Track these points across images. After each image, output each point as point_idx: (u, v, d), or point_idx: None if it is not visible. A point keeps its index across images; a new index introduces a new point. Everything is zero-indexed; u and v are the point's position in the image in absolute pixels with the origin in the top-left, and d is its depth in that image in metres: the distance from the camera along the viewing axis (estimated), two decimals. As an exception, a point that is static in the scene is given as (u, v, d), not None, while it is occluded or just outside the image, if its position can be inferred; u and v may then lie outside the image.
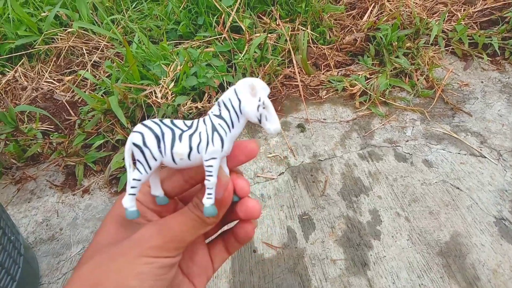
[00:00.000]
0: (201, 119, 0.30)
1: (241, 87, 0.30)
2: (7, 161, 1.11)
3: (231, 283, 0.85)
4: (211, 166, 0.30)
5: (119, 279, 0.27)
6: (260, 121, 0.30)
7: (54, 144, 1.16)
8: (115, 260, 0.28)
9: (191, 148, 0.29)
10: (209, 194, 0.30)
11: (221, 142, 0.30)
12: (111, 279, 0.27)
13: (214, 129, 0.30)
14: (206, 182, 0.30)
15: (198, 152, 0.30)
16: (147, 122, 0.30)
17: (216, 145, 0.30)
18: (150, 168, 0.30)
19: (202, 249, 0.36)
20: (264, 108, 0.29)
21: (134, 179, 0.30)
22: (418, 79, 1.30)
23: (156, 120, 0.30)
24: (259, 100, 0.29)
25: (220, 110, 0.30)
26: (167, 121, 0.30)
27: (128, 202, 0.30)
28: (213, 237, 0.39)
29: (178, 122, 0.31)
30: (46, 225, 0.99)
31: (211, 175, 0.30)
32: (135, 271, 0.27)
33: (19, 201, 1.06)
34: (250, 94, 0.30)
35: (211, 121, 0.30)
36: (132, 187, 0.30)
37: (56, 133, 1.22)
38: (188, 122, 0.31)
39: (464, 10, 1.60)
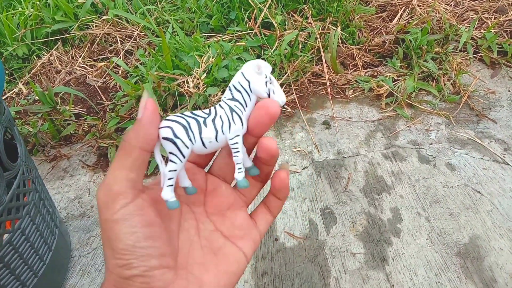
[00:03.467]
0: (217, 105, 0.33)
1: (247, 69, 0.33)
2: (43, 139, 1.16)
3: (252, 268, 0.88)
4: (236, 143, 0.33)
5: None
6: (269, 95, 0.32)
7: (87, 126, 1.21)
8: None
9: (216, 131, 0.32)
10: (239, 168, 0.33)
11: (240, 120, 0.32)
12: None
13: (231, 110, 0.32)
14: (234, 158, 0.33)
15: (223, 133, 0.32)
16: (171, 117, 0.32)
17: (237, 124, 0.32)
18: (183, 156, 0.32)
19: (242, 212, 0.37)
20: (271, 83, 0.33)
21: (170, 171, 0.32)
22: (445, 84, 1.32)
23: (177, 114, 0.33)
24: (266, 77, 0.32)
25: (232, 93, 0.33)
26: (187, 113, 0.33)
27: (168, 194, 0.32)
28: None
29: (198, 112, 0.33)
30: (78, 202, 1.04)
31: (238, 151, 0.33)
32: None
33: (53, 178, 1.11)
34: (256, 74, 0.32)
35: (227, 104, 0.33)
36: (169, 179, 0.32)
37: (89, 116, 1.27)
38: (206, 110, 0.33)
39: (494, 18, 1.60)
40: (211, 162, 0.38)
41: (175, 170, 0.32)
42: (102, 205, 0.29)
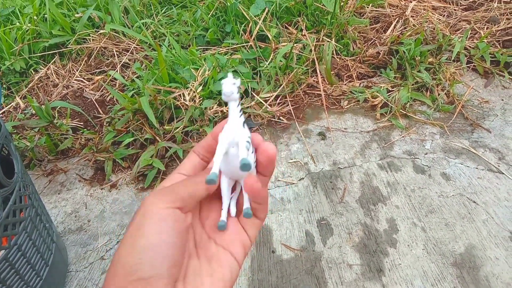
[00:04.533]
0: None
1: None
2: (40, 153, 1.17)
3: (250, 280, 0.88)
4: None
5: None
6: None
7: (84, 139, 1.21)
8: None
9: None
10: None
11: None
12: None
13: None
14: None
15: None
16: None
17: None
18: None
19: (232, 218, 0.38)
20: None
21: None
22: (439, 94, 1.33)
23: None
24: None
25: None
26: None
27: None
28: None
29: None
30: (74, 216, 1.04)
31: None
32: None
33: (50, 192, 1.11)
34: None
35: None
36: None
37: (86, 129, 1.28)
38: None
39: (487, 28, 1.62)
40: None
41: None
42: (151, 198, 0.31)
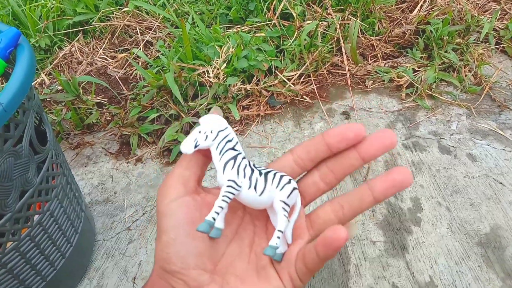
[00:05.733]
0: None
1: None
2: (67, 127, 1.19)
3: (273, 254, 0.89)
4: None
5: None
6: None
7: (110, 115, 1.23)
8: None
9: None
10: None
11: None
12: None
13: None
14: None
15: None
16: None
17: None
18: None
19: (298, 245, 0.33)
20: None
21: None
22: (466, 75, 1.30)
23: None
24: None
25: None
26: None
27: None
28: None
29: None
30: (101, 188, 1.06)
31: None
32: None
33: (77, 165, 1.14)
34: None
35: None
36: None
37: (111, 105, 1.29)
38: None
39: (517, 9, 1.57)
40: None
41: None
42: (158, 198, 0.32)
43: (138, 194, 1.03)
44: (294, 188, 0.32)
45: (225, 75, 1.21)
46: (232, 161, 0.31)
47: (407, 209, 0.96)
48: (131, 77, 1.49)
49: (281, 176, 0.32)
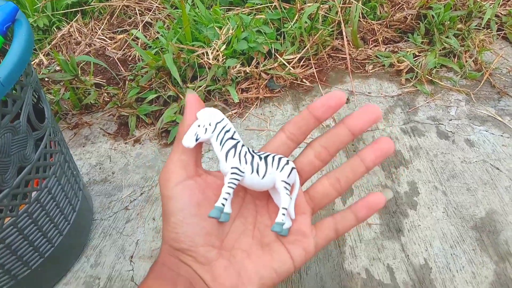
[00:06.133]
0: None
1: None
2: (66, 107, 1.19)
3: (269, 235, 0.90)
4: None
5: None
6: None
7: (108, 95, 1.23)
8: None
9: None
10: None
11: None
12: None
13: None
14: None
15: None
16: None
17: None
18: None
19: (303, 218, 0.36)
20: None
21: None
22: (466, 61, 1.30)
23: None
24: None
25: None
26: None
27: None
28: None
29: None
30: (99, 168, 1.06)
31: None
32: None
33: (75, 144, 1.14)
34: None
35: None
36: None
37: (109, 86, 1.29)
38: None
39: (520, -5, 1.56)
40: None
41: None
42: (161, 183, 0.33)
43: (136, 175, 1.03)
44: (293, 168, 0.34)
45: (225, 57, 1.20)
46: (233, 149, 0.33)
47: (404, 192, 0.96)
48: (129, 58, 1.48)
49: (279, 158, 0.34)
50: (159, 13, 1.63)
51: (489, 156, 1.04)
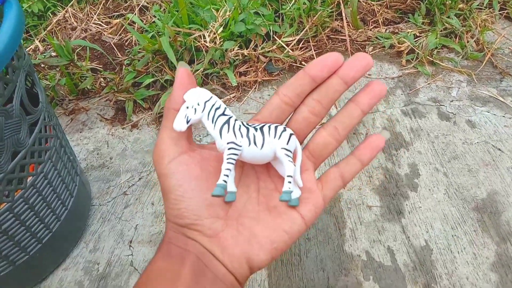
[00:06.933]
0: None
1: None
2: (62, 93, 1.17)
3: (269, 219, 0.89)
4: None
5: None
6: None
7: (104, 80, 1.21)
8: None
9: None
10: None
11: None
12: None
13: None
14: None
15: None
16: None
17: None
18: None
19: (306, 175, 0.35)
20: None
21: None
22: (468, 41, 1.28)
23: None
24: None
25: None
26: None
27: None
28: None
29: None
30: (97, 154, 1.05)
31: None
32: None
33: (72, 130, 1.12)
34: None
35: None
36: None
37: (105, 71, 1.27)
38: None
39: (523, -27, 1.53)
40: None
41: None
42: (155, 162, 0.33)
43: (134, 160, 1.02)
44: (291, 134, 0.33)
45: (222, 40, 1.18)
46: (226, 125, 0.32)
47: (404, 174, 0.96)
48: (126, 43, 1.46)
49: (276, 127, 0.33)
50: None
51: (491, 137, 1.02)
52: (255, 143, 0.32)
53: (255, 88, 1.19)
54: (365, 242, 0.83)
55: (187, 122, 0.31)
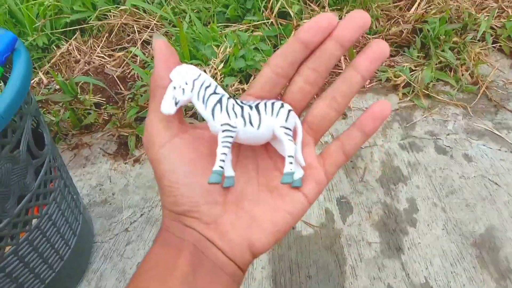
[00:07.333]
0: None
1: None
2: (65, 128, 1.19)
3: (270, 255, 0.90)
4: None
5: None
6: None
7: (107, 115, 1.23)
8: None
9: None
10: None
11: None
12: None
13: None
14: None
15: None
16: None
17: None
18: None
19: (306, 150, 0.33)
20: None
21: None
22: (463, 74, 1.31)
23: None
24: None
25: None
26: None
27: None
28: None
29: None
30: (99, 189, 1.07)
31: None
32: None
33: (75, 165, 1.14)
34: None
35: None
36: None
37: (108, 105, 1.30)
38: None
39: (515, 7, 1.57)
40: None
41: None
42: (146, 147, 0.31)
43: (136, 195, 1.04)
44: (289, 110, 0.31)
45: (223, 75, 1.21)
46: (218, 104, 0.29)
47: (403, 209, 0.97)
48: (129, 75, 1.49)
49: (273, 103, 0.31)
50: (158, 31, 1.64)
51: (488, 171, 1.04)
52: (251, 123, 0.30)
53: (255, 122, 1.21)
54: (365, 280, 0.84)
55: (176, 104, 0.29)
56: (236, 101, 0.30)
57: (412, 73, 1.32)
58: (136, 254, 0.91)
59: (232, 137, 0.29)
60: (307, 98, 0.32)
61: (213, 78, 1.20)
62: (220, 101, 0.29)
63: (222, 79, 1.20)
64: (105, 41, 1.70)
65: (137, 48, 1.57)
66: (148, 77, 1.21)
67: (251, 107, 0.30)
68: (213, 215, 0.30)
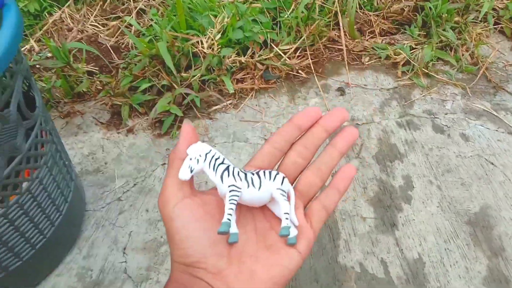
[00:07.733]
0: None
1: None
2: (57, 95, 1.16)
3: (264, 228, 0.89)
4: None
5: None
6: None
7: (101, 84, 1.20)
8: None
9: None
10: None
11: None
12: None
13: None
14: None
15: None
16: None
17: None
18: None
19: (298, 214, 0.38)
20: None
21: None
22: (463, 55, 1.29)
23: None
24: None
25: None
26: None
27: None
28: None
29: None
30: (91, 158, 1.05)
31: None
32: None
33: (67, 133, 1.12)
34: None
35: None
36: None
37: (102, 74, 1.26)
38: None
39: (518, -12, 1.55)
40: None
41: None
42: (161, 207, 0.35)
43: (129, 165, 1.02)
44: (284, 177, 0.37)
45: (220, 46, 1.18)
46: (226, 171, 0.35)
47: (399, 186, 0.96)
48: (122, 45, 1.45)
49: (270, 171, 0.37)
50: (153, 0, 1.60)
51: (484, 151, 1.04)
52: (253, 185, 0.35)
53: (251, 95, 1.19)
54: (359, 254, 0.84)
55: (191, 171, 0.35)
56: (240, 169, 0.36)
57: (412, 51, 1.30)
58: (128, 223, 0.90)
59: (238, 196, 0.34)
60: (299, 170, 0.39)
61: (210, 48, 1.17)
62: (227, 168, 0.35)
63: (219, 50, 1.17)
64: (99, 9, 1.65)
65: (132, 17, 1.52)
66: (143, 45, 1.18)
67: (253, 174, 0.36)
68: (219, 266, 0.34)
